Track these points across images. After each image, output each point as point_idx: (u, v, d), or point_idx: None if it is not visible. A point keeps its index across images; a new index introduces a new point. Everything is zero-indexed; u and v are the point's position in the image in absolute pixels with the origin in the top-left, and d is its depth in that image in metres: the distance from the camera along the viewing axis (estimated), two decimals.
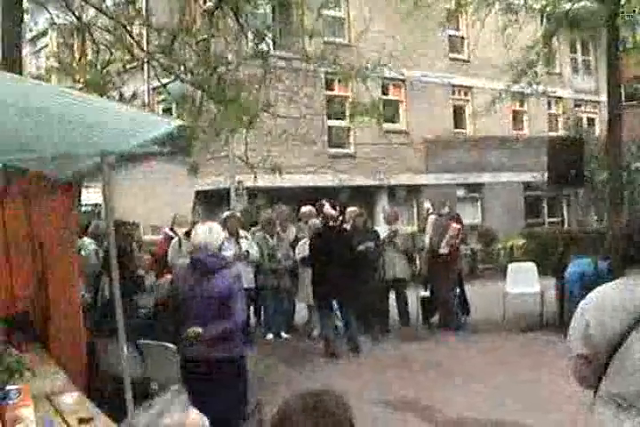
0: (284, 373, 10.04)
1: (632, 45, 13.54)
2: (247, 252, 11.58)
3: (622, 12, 12.35)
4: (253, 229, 12.92)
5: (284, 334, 12.54)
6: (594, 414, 3.48)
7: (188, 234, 11.70)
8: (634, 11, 12.32)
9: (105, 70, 12.82)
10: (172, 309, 6.63)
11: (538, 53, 14.03)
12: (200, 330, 6.04)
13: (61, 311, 7.03)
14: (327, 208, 12.00)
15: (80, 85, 12.79)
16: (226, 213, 12.49)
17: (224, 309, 6.10)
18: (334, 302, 11.43)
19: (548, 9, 13.94)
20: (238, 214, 12.72)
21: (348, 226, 12.31)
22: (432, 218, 13.47)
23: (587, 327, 3.35)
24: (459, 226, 13.12)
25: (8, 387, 4.27)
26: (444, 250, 12.89)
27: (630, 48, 13.59)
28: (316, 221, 12.30)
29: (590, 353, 3.38)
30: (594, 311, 3.38)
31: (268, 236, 12.50)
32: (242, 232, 11.92)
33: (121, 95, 13.00)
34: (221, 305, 6.10)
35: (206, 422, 2.39)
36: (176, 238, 11.07)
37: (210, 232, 6.30)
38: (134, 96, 15.58)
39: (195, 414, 2.38)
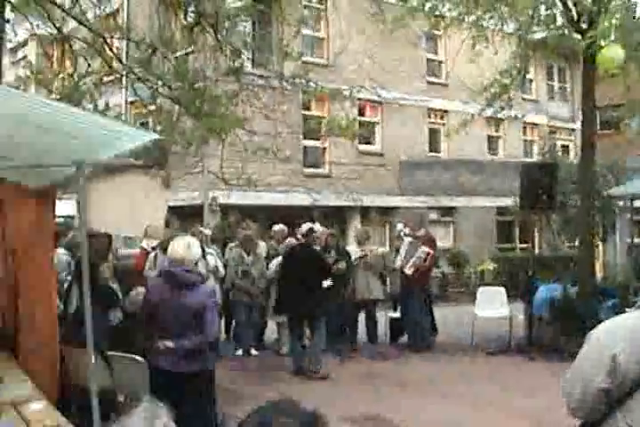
0: (251, 388, 10.01)
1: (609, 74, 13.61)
2: (216, 268, 11.57)
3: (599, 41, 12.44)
4: (231, 245, 12.93)
5: (253, 352, 12.53)
6: None
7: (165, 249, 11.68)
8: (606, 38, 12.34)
9: (82, 82, 12.77)
10: (144, 321, 6.62)
11: (512, 78, 14.15)
12: (171, 344, 6.07)
13: (35, 322, 6.96)
14: (303, 227, 12.05)
15: (56, 96, 12.75)
16: (192, 229, 12.46)
17: (196, 323, 6.13)
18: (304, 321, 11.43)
19: (521, 34, 14.06)
20: (207, 231, 12.70)
21: (317, 247, 12.27)
22: (407, 240, 13.55)
23: (614, 359, 3.12)
24: (428, 250, 13.20)
25: None
26: (408, 271, 13.01)
27: (606, 76, 13.66)
28: (292, 241, 12.38)
29: (614, 386, 3.15)
30: (623, 343, 3.14)
31: (244, 253, 12.52)
32: (207, 249, 11.86)
33: (95, 107, 12.91)
34: (194, 319, 6.13)
35: None
36: (153, 253, 11.01)
37: (188, 247, 6.34)
38: (108, 108, 15.51)
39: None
